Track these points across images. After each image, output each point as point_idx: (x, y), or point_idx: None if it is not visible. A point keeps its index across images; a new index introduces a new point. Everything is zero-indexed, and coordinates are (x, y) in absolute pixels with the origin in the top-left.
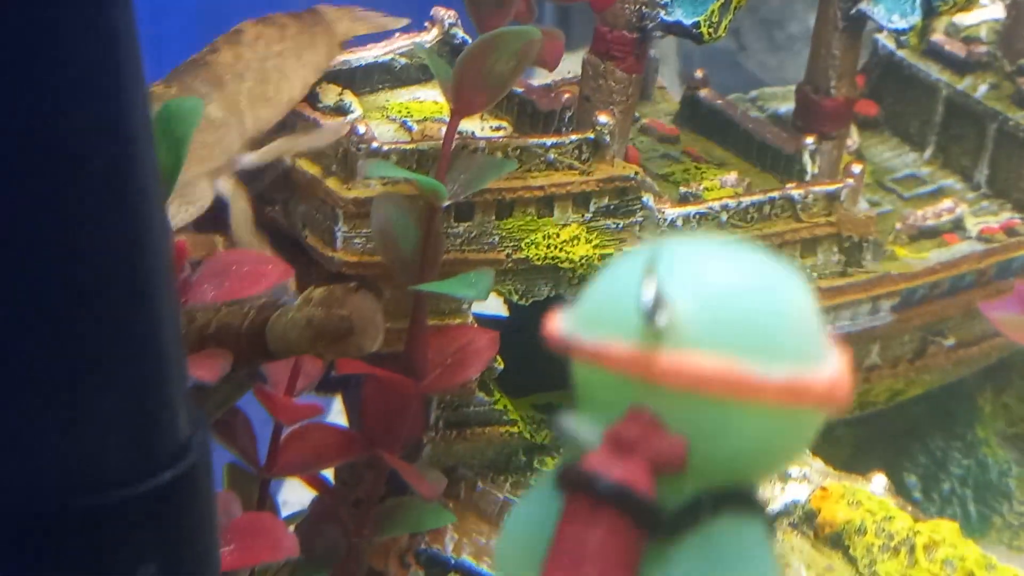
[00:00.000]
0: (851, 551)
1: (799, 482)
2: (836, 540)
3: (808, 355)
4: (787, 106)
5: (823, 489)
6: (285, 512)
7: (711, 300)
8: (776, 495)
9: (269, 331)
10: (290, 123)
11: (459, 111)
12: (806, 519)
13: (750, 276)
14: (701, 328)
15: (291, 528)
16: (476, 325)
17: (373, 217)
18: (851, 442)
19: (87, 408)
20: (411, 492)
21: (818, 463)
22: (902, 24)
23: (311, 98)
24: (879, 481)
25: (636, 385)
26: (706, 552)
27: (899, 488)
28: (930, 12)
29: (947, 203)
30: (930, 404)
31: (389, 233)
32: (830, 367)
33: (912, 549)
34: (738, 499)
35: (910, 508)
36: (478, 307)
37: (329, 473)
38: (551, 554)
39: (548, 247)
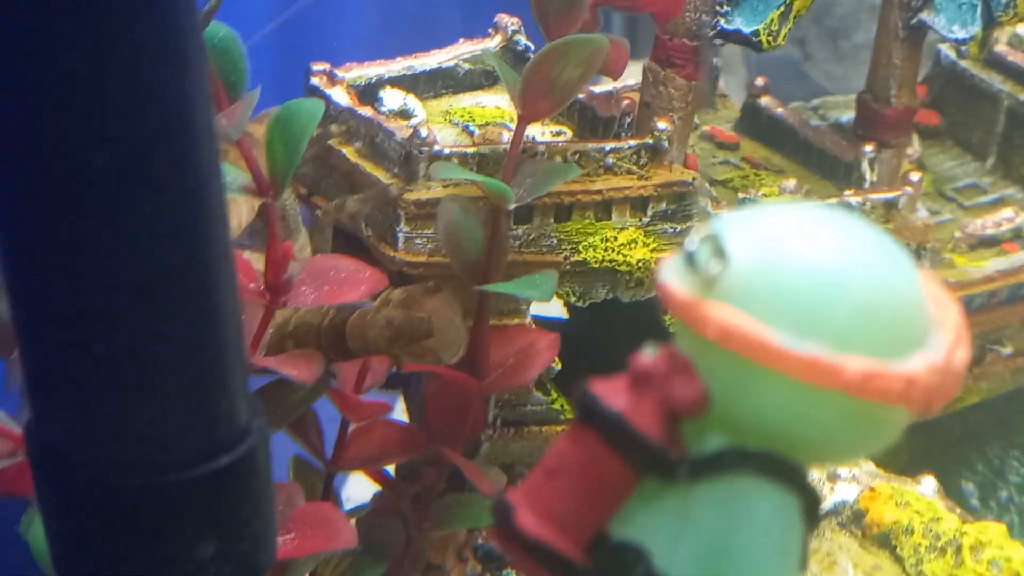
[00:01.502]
0: (898, 551)
1: (848, 482)
2: (884, 540)
3: (867, 344)
4: (849, 115)
5: (872, 490)
6: (348, 507)
7: (763, 263)
8: (825, 495)
9: (349, 331)
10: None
11: (526, 117)
12: (854, 519)
13: (819, 249)
14: (743, 287)
15: (353, 521)
16: (535, 326)
17: (440, 219)
18: (908, 449)
19: (153, 395)
20: (469, 488)
21: (869, 465)
22: (962, 34)
23: (375, 102)
24: (928, 483)
25: (684, 329)
26: (718, 505)
27: (956, 495)
28: (990, 22)
29: (1007, 212)
30: (989, 412)
31: (455, 234)
32: (906, 364)
33: (959, 550)
34: (772, 467)
35: (959, 511)
36: (537, 308)
37: (391, 468)
38: (539, 460)
39: (606, 250)
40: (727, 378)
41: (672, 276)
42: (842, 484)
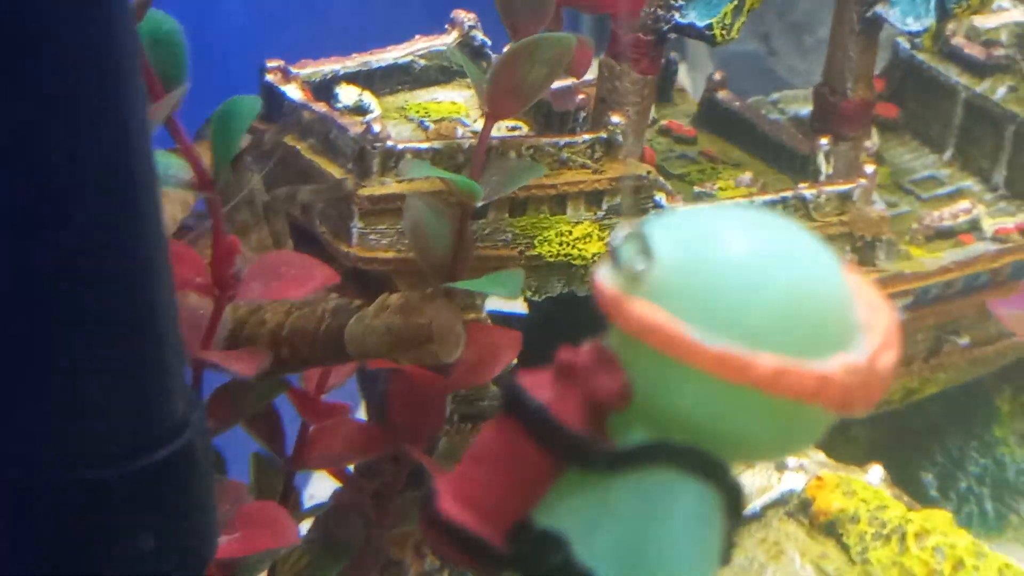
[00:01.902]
0: (844, 539)
1: (796, 472)
2: (830, 528)
3: (783, 342)
4: (808, 108)
5: (818, 479)
6: (311, 504)
7: (684, 261)
8: (773, 484)
9: (348, 337)
10: (294, 117)
11: (493, 115)
12: (801, 507)
13: (739, 250)
14: (665, 284)
15: (312, 519)
16: (490, 321)
17: (406, 217)
18: (867, 440)
19: (88, 389)
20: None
21: (818, 455)
22: (916, 26)
23: (331, 98)
24: (875, 472)
25: (611, 324)
26: (637, 497)
27: (915, 486)
28: (944, 15)
29: (964, 204)
30: (947, 403)
31: (422, 232)
32: (823, 364)
33: (903, 537)
34: (693, 462)
35: (905, 499)
36: (496, 304)
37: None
38: (466, 452)
39: (561, 244)
40: (648, 373)
41: (603, 273)
42: (789, 473)
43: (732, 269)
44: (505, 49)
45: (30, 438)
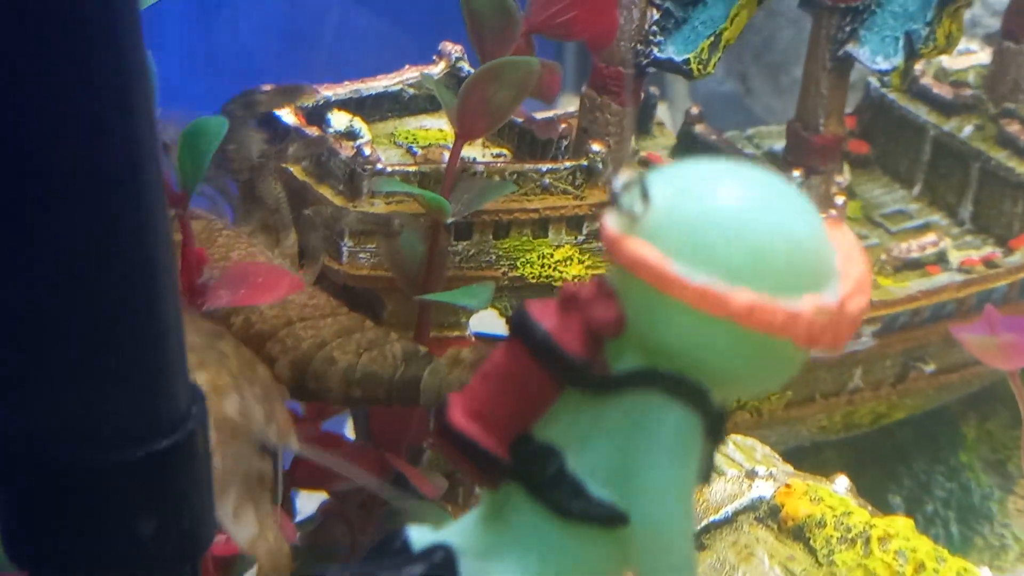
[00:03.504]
0: (811, 542)
1: (766, 480)
2: (798, 532)
3: (758, 280)
4: (781, 143)
5: (787, 486)
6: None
7: (675, 204)
8: (743, 491)
9: (423, 387)
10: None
11: (462, 136)
12: (771, 513)
13: (725, 196)
14: (658, 224)
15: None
16: (474, 339)
17: (382, 233)
18: (837, 463)
19: (95, 379)
20: (414, 495)
21: (787, 466)
22: (886, 65)
23: (323, 123)
24: (841, 482)
25: (611, 261)
26: (627, 416)
27: (884, 509)
28: (912, 54)
29: (931, 237)
30: (915, 429)
31: (396, 248)
32: (795, 302)
33: (867, 541)
34: (678, 387)
35: (869, 508)
36: (480, 325)
37: None
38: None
39: (542, 266)
40: (639, 304)
41: (610, 216)
42: (760, 481)
43: (717, 212)
44: (472, 71)
45: (37, 425)
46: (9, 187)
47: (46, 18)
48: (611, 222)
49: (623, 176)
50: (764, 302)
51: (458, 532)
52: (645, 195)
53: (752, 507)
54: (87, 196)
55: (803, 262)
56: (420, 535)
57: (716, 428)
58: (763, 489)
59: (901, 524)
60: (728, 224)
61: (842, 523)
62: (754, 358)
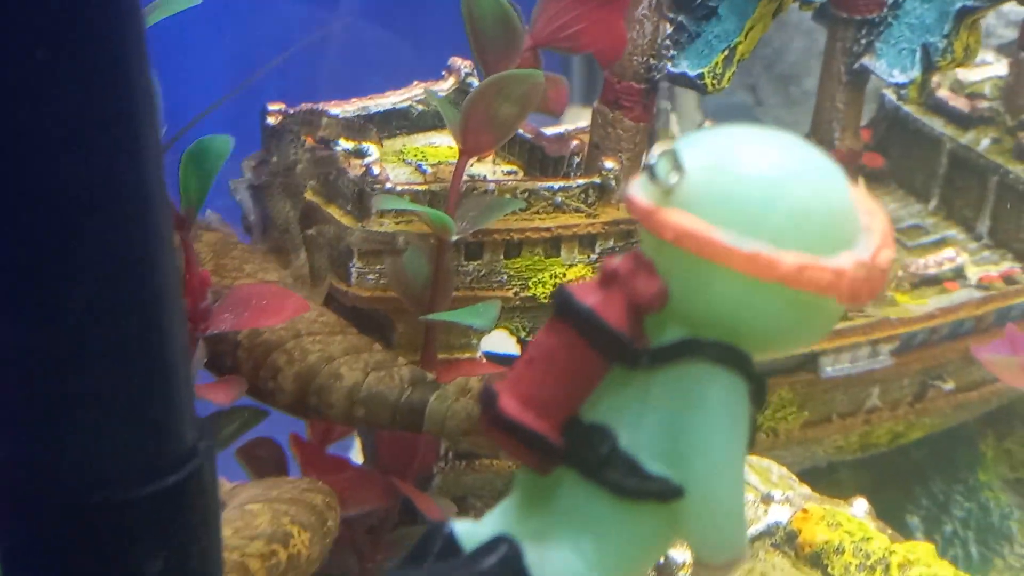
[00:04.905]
0: (829, 569)
1: (782, 504)
2: (815, 559)
3: (802, 242)
4: None
5: (804, 511)
6: None
7: (713, 173)
8: (759, 516)
9: (429, 415)
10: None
11: (467, 151)
12: (787, 539)
13: (761, 162)
14: (696, 194)
15: None
16: (485, 361)
17: (386, 252)
18: (854, 483)
19: (102, 417)
20: (422, 521)
21: (803, 488)
22: (902, 78)
23: (331, 141)
24: (860, 505)
25: (646, 234)
26: (674, 388)
27: (902, 530)
28: (929, 67)
29: (948, 252)
30: (932, 448)
31: (401, 268)
32: (836, 260)
33: (887, 568)
34: (722, 355)
35: (889, 531)
36: (491, 346)
37: None
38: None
39: (555, 286)
40: (682, 275)
41: (636, 189)
42: (776, 506)
43: (755, 178)
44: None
45: (45, 463)
46: (15, 225)
47: (53, 44)
48: (641, 194)
49: (657, 149)
50: (811, 262)
51: (502, 522)
52: (679, 166)
53: (768, 533)
54: (95, 233)
55: (837, 221)
56: (467, 529)
57: (759, 392)
58: (779, 514)
59: (922, 550)
60: (767, 189)
61: (861, 549)
62: (798, 318)
